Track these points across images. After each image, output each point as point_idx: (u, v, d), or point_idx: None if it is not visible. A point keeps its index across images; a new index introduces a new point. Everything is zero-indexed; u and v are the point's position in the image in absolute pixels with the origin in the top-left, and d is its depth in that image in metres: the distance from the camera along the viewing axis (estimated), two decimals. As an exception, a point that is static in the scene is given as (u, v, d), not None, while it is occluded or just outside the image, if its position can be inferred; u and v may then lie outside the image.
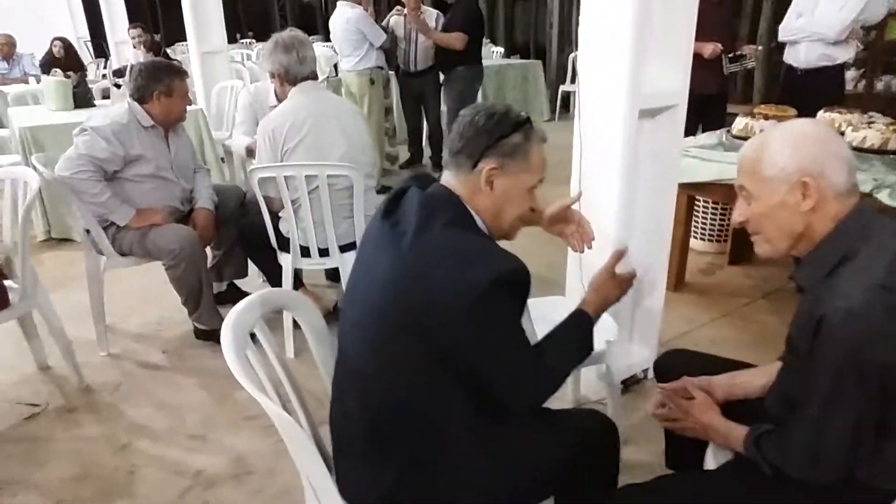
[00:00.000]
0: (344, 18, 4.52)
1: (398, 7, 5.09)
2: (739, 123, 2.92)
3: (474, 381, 1.11)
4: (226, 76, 5.49)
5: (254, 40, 10.51)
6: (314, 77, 2.47)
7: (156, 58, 5.97)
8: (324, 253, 2.53)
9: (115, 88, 4.36)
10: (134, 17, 8.62)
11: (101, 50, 9.51)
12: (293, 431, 1.03)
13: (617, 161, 1.96)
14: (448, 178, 1.20)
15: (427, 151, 5.69)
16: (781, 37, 3.98)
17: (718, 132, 3.20)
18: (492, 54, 8.00)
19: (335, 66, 5.73)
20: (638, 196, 2.10)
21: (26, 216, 2.21)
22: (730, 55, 3.90)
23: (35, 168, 2.39)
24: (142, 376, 2.59)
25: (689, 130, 3.95)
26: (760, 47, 4.11)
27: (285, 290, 1.29)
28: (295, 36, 2.43)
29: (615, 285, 1.37)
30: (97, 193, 2.42)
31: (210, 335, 2.75)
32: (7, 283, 2.24)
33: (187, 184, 2.74)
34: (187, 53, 7.23)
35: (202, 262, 2.58)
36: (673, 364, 1.62)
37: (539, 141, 1.20)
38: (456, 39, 4.72)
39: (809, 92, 3.76)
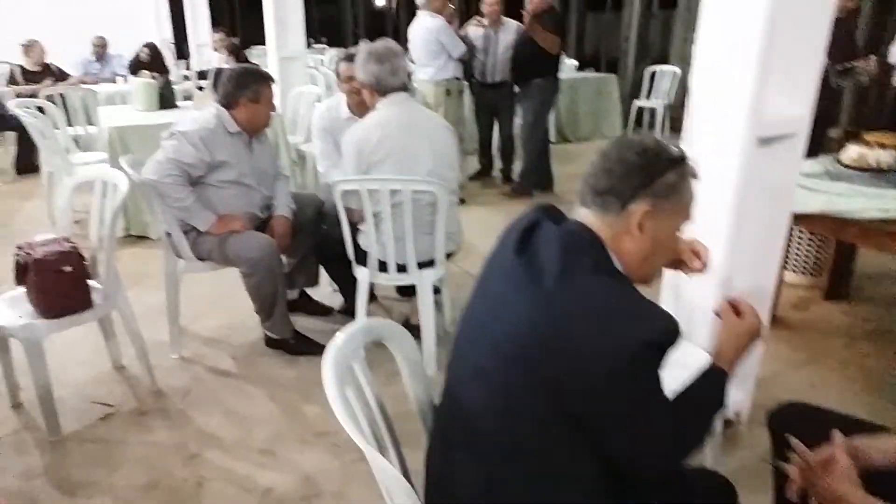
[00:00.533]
0: (425, 28, 4.47)
1: (477, 17, 5.03)
2: (852, 152, 2.68)
3: (606, 446, 0.99)
4: (302, 81, 5.55)
5: (326, 46, 10.66)
6: (405, 88, 2.40)
7: (244, 63, 6.11)
8: (401, 269, 2.46)
9: (197, 91, 4.43)
10: (216, 21, 8.90)
11: (180, 51, 9.85)
12: (396, 484, 0.94)
13: (729, 191, 1.81)
14: (587, 216, 1.07)
15: (497, 163, 5.59)
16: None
17: (822, 159, 2.96)
18: (564, 67, 7.85)
19: (408, 74, 5.71)
20: (746, 227, 1.94)
21: (114, 219, 2.22)
22: (838, 67, 3.60)
23: (123, 170, 2.40)
24: (212, 382, 2.58)
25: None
26: (873, 57, 3.74)
27: (385, 321, 1.20)
28: (388, 46, 2.37)
29: (747, 332, 1.21)
30: (182, 198, 2.42)
31: (281, 344, 2.72)
32: (90, 283, 2.25)
33: (267, 191, 2.72)
34: (264, 57, 7.35)
35: (279, 272, 2.55)
36: (792, 419, 1.46)
37: (692, 178, 1.07)
38: (553, 41, 4.58)
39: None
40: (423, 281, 2.48)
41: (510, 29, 4.91)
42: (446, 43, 4.47)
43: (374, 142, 2.29)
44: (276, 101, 5.48)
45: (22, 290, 2.19)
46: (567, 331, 0.93)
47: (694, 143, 1.86)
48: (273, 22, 5.42)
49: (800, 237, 3.36)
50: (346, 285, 2.68)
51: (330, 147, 3.05)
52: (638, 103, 7.57)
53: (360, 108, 2.93)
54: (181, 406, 2.42)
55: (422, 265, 2.46)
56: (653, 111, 7.50)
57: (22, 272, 2.13)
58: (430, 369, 2.55)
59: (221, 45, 6.25)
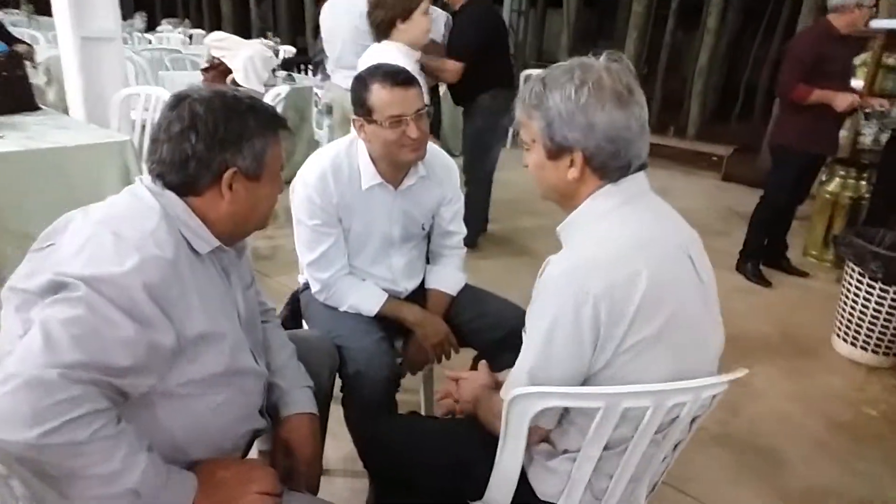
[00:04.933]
0: (357, 12, 2.99)
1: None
2: None
3: None
4: (121, 77, 3.70)
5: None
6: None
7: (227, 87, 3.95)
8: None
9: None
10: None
11: None
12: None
13: None
14: None
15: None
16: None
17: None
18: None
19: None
20: None
21: None
22: (866, 111, 3.17)
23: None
24: None
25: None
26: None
27: None
28: (629, 77, 1.05)
29: None
30: (119, 470, 0.88)
31: None
32: None
33: (263, 360, 1.25)
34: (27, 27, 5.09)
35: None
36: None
37: None
38: (453, 72, 3.36)
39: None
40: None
41: (439, 20, 3.67)
42: (387, 38, 3.08)
43: (640, 296, 0.98)
44: (78, 106, 3.63)
45: None
46: None
47: None
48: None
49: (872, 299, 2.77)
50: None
51: (330, 242, 1.64)
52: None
53: (394, 171, 1.62)
54: None
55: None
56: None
57: None
58: None
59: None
